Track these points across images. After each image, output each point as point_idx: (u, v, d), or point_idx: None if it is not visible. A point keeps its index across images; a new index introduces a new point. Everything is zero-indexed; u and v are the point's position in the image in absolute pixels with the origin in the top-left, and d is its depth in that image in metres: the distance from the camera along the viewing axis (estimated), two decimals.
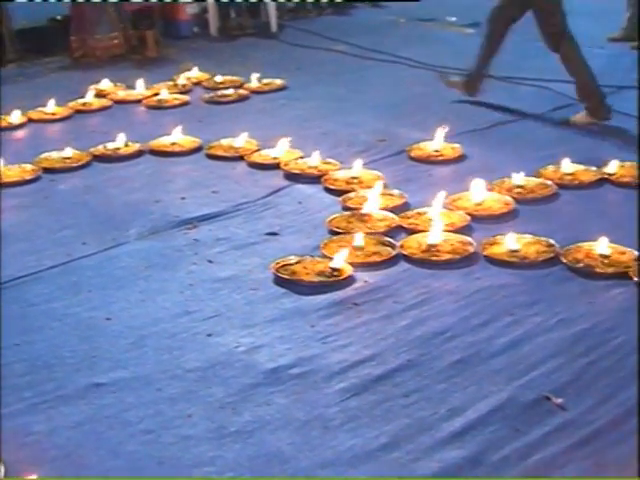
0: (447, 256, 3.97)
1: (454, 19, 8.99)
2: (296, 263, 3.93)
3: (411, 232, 4.21)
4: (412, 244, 4.08)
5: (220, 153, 5.42)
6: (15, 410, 2.98)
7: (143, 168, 5.33)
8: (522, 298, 3.62)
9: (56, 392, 3.08)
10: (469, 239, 4.08)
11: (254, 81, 6.90)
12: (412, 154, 5.28)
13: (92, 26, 7.97)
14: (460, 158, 5.21)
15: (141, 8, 8.26)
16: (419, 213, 4.40)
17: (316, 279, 3.80)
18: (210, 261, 4.07)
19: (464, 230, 4.20)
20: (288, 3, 9.82)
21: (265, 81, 6.93)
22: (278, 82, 6.92)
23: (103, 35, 8.06)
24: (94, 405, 3.02)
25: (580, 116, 5.69)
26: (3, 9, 7.98)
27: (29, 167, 5.24)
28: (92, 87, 6.79)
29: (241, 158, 5.32)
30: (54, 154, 5.42)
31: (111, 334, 3.47)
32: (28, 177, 5.13)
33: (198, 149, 5.52)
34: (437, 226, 4.12)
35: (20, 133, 6.10)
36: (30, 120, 6.24)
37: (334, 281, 3.78)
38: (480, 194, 4.51)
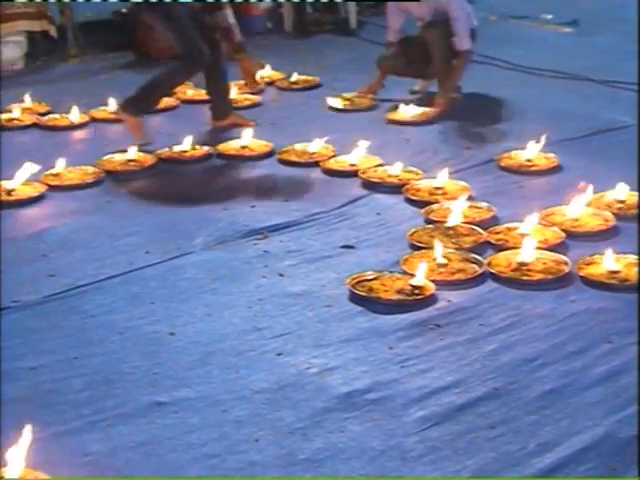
0: (539, 276, 3.94)
1: (550, 17, 8.94)
2: (374, 279, 3.94)
3: (500, 249, 4.20)
4: (501, 262, 4.06)
5: (293, 159, 5.48)
6: (73, 428, 3.04)
7: (211, 173, 5.41)
8: (621, 324, 3.58)
9: (116, 410, 3.14)
10: (564, 258, 4.05)
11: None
12: (502, 164, 5.27)
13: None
14: (555, 169, 5.18)
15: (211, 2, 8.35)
16: (509, 228, 4.38)
17: (395, 297, 3.81)
18: (281, 274, 4.11)
19: (558, 248, 4.17)
20: None
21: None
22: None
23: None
24: (156, 425, 3.06)
25: None
26: (65, 1, 8.17)
27: (91, 169, 5.35)
28: None
29: (316, 164, 5.36)
30: (117, 156, 5.53)
31: (174, 350, 3.52)
32: (90, 180, 5.24)
33: (270, 154, 5.58)
34: (529, 243, 4.09)
35: (82, 133, 6.24)
36: (93, 119, 6.39)
37: (415, 300, 3.78)
38: (577, 209, 4.47)
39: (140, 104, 5.83)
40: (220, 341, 3.57)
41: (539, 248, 4.11)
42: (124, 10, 8.90)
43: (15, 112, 6.45)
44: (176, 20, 5.73)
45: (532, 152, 5.28)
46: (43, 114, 6.51)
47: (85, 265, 4.24)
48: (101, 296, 3.96)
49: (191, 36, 5.74)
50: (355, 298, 3.83)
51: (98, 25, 8.97)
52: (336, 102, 6.54)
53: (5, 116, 6.41)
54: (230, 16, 5.95)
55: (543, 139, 5.29)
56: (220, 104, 6.19)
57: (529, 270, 3.97)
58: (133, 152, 5.50)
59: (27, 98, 6.66)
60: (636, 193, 4.66)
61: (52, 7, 8.20)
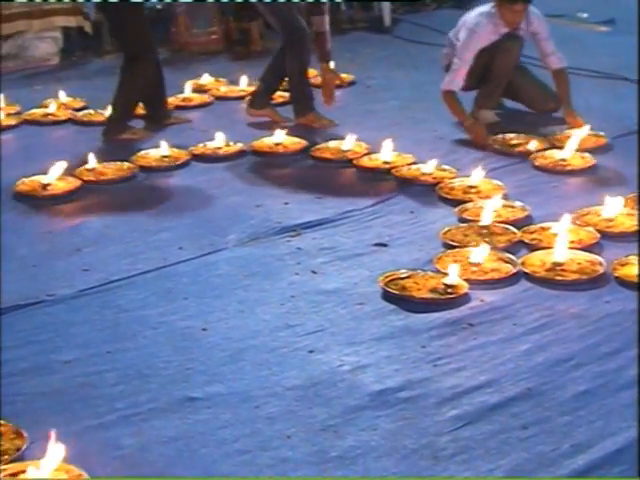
0: (573, 276, 3.92)
1: (586, 15, 8.88)
2: (407, 277, 3.93)
3: (534, 248, 4.18)
4: (535, 262, 4.04)
5: (327, 156, 5.47)
6: (107, 421, 3.06)
7: (244, 170, 5.43)
8: None
9: (149, 404, 3.15)
10: (598, 258, 4.02)
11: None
12: (536, 163, 5.24)
13: (189, 19, 8.10)
14: (590, 169, 5.15)
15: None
16: (543, 228, 4.36)
17: (428, 296, 3.80)
18: (314, 272, 4.11)
19: (593, 248, 4.15)
20: None
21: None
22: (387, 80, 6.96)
23: (200, 30, 8.18)
24: (188, 420, 3.07)
25: None
26: None
27: (125, 165, 5.38)
28: (191, 82, 6.94)
29: (349, 162, 5.36)
30: (151, 152, 5.55)
31: (207, 346, 3.53)
32: (124, 175, 5.27)
33: (303, 150, 5.58)
34: (563, 243, 4.07)
35: None
36: None
37: (448, 299, 3.77)
38: (612, 209, 4.43)
39: (306, 99, 6.05)
40: (252, 337, 3.58)
41: (573, 248, 4.09)
42: (159, 6, 8.95)
43: (51, 107, 6.49)
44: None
45: (568, 151, 5.25)
46: (78, 109, 6.55)
47: (119, 260, 4.26)
48: (134, 291, 3.98)
49: (296, 17, 5.87)
50: (388, 296, 3.82)
51: None
52: None
53: (41, 111, 6.46)
54: (327, 23, 5.94)
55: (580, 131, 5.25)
56: (260, 94, 6.20)
57: (563, 270, 3.95)
58: (167, 148, 5.51)
59: (62, 94, 6.70)
60: None
61: (87, 3, 8.24)
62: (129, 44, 5.90)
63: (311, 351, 3.47)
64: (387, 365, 3.35)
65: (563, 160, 5.23)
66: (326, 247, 4.35)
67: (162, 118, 6.16)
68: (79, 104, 6.66)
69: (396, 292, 3.82)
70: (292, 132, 5.81)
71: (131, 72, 5.84)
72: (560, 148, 5.32)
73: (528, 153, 5.38)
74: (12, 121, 6.33)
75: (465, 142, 5.66)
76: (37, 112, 6.46)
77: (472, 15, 5.84)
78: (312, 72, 6.28)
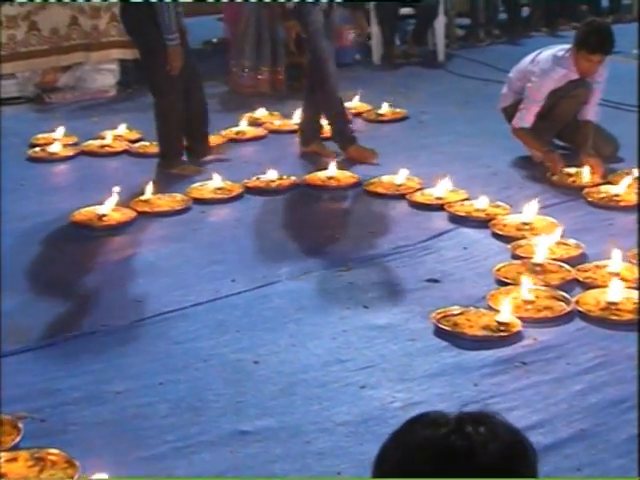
0: (629, 316, 3.87)
1: (637, 51, 8.81)
2: (459, 314, 3.91)
3: (588, 287, 4.14)
4: (589, 300, 4.00)
5: (380, 190, 5.48)
6: (157, 453, 3.07)
7: (297, 203, 5.45)
8: None
9: (200, 437, 3.16)
10: None
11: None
12: (590, 198, 5.20)
13: (241, 58, 8.00)
14: None
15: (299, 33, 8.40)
16: (597, 266, 4.32)
17: (480, 333, 3.78)
18: (365, 306, 4.10)
19: None
20: (458, 30, 9.89)
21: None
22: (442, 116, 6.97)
23: (252, 71, 8.03)
24: (239, 454, 3.07)
25: None
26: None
27: (179, 197, 5.43)
28: (246, 115, 6.99)
29: (402, 197, 5.36)
30: (206, 184, 5.60)
31: (258, 379, 3.54)
32: (178, 207, 5.31)
33: (356, 185, 5.59)
34: (618, 282, 4.02)
35: None
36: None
37: (500, 336, 3.74)
38: None
39: (344, 132, 6.10)
40: (304, 372, 3.58)
41: (628, 287, 4.04)
42: (215, 40, 9.06)
43: (107, 138, 6.57)
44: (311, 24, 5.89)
45: (622, 187, 5.21)
46: (134, 141, 6.62)
47: (172, 292, 4.29)
48: (187, 323, 4.00)
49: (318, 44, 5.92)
50: (440, 333, 3.80)
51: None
52: None
53: (97, 142, 6.54)
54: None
55: (635, 172, 5.22)
56: (305, 130, 6.24)
57: (618, 310, 3.91)
58: (221, 181, 5.55)
59: (121, 126, 6.78)
60: None
61: None
62: (150, 79, 5.98)
63: (362, 386, 3.46)
64: (439, 403, 3.32)
65: (617, 196, 5.19)
66: (378, 282, 4.34)
67: (202, 153, 6.18)
68: (135, 136, 6.72)
69: (448, 329, 3.80)
70: (345, 166, 5.82)
71: (155, 108, 5.93)
72: (613, 184, 5.30)
73: (582, 186, 5.36)
74: (70, 152, 6.42)
75: (519, 178, 5.64)
76: (94, 143, 6.54)
77: (545, 57, 5.77)
78: None
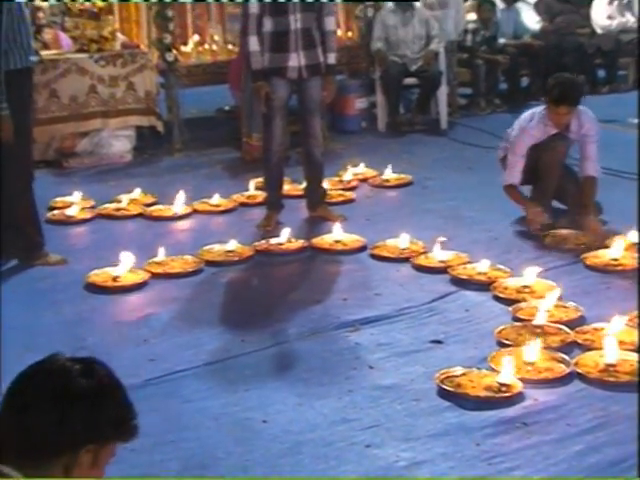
0: (627, 377, 3.86)
1: (637, 121, 8.87)
2: (461, 375, 3.91)
3: (587, 349, 4.13)
4: (588, 362, 3.99)
5: (385, 254, 5.50)
6: None
7: (305, 266, 5.47)
8: None
9: None
10: None
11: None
12: (588, 262, 5.22)
13: (249, 125, 8.00)
14: None
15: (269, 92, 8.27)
16: (596, 329, 4.31)
17: (482, 394, 3.77)
18: (371, 367, 4.10)
19: None
20: (460, 99, 9.99)
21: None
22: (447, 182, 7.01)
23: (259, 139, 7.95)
24: None
25: None
26: (174, 97, 8.40)
27: (191, 259, 5.45)
28: (255, 180, 7.02)
29: (406, 260, 5.37)
30: (217, 247, 5.62)
31: (267, 438, 3.53)
32: (190, 269, 5.33)
33: (362, 248, 5.62)
34: (615, 344, 4.02)
35: (184, 224, 6.36)
36: (195, 211, 6.51)
37: (502, 397, 3.73)
38: None
39: (312, 197, 6.34)
40: (311, 431, 3.57)
41: (626, 350, 4.04)
42: (227, 108, 9.14)
43: (123, 202, 6.62)
44: None
45: (618, 251, 5.22)
46: (149, 205, 6.66)
47: (184, 351, 4.29)
48: (198, 381, 4.00)
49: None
50: (443, 393, 3.80)
51: (202, 121, 9.25)
52: None
53: (113, 206, 6.59)
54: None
55: (631, 235, 5.24)
56: (311, 193, 6.28)
57: (616, 372, 3.90)
58: (232, 244, 5.58)
59: (137, 190, 6.83)
60: None
61: (160, 103, 8.45)
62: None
63: (368, 446, 3.45)
64: (442, 462, 3.31)
65: (614, 260, 5.20)
66: (383, 343, 4.34)
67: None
68: (150, 199, 6.77)
69: (451, 389, 3.79)
70: (350, 229, 5.85)
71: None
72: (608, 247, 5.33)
73: (579, 251, 5.38)
74: (87, 215, 6.47)
75: (519, 242, 5.66)
76: (110, 207, 6.58)
77: (526, 114, 5.91)
78: None
